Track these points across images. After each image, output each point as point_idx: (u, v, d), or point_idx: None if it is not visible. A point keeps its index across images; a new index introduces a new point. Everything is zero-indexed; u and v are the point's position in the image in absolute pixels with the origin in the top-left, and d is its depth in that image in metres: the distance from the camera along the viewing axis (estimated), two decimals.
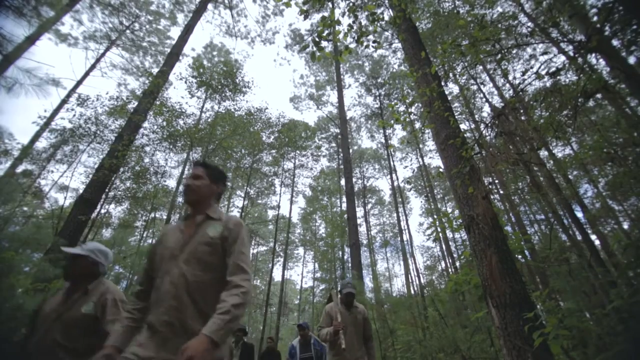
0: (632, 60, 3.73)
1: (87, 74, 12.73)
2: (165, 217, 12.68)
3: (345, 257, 16.46)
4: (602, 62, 4.80)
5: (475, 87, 11.77)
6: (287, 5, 3.30)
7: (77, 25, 13.20)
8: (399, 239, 18.48)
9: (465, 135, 4.34)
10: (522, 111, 7.44)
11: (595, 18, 3.83)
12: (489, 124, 3.71)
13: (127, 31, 14.15)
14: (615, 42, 3.67)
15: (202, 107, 14.47)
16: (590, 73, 3.25)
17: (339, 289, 3.35)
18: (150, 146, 10.85)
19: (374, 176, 22.56)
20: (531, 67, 3.12)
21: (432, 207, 17.08)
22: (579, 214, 8.15)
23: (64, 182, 13.33)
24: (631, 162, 5.73)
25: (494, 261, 2.90)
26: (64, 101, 11.37)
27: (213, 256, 1.30)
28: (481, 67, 11.03)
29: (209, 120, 12.89)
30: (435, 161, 21.73)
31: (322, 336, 2.95)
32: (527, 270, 7.68)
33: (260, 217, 23.48)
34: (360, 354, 3.00)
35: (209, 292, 1.24)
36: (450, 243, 15.23)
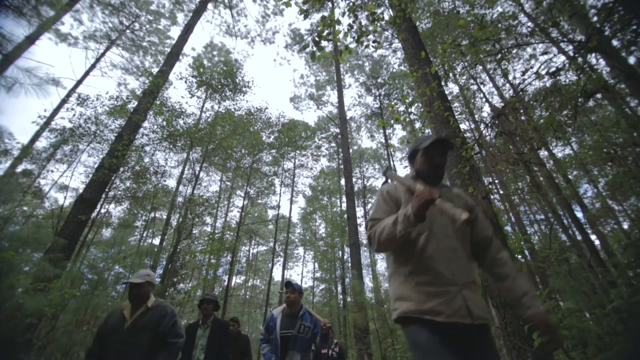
0: (632, 60, 3.73)
1: (87, 73, 12.73)
2: (165, 217, 12.68)
3: (345, 257, 16.47)
4: (602, 62, 4.80)
5: (475, 87, 11.78)
6: (287, 4, 3.30)
7: (77, 25, 13.20)
8: None
9: (465, 135, 4.33)
10: (522, 111, 7.43)
11: (595, 18, 3.83)
12: (489, 124, 3.71)
13: (127, 31, 14.15)
14: (615, 42, 3.67)
15: (202, 106, 14.47)
16: (590, 73, 3.25)
17: (413, 147, 1.58)
18: (150, 146, 10.85)
19: (374, 176, 22.54)
20: (531, 67, 3.13)
21: None
22: (579, 214, 8.17)
23: (64, 181, 13.32)
24: (631, 162, 5.73)
25: None
26: (63, 101, 11.37)
27: None
28: (481, 67, 11.03)
29: (209, 120, 12.89)
30: None
31: (386, 230, 1.29)
32: (527, 270, 7.68)
33: (260, 217, 23.48)
34: (470, 277, 1.33)
35: None
36: None
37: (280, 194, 18.27)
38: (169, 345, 2.25)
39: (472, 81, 11.17)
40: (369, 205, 23.13)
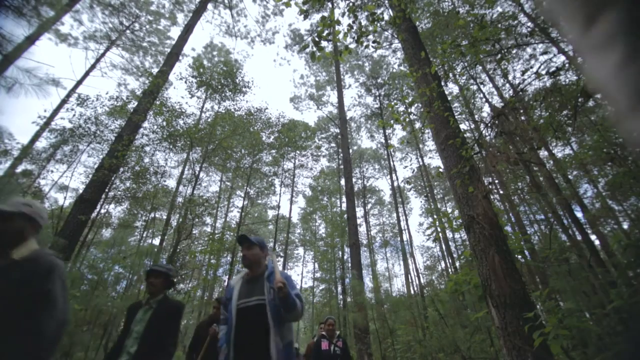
0: None
1: (87, 74, 12.73)
2: (165, 217, 12.68)
3: (345, 257, 16.47)
4: None
5: (475, 87, 11.78)
6: (287, 5, 3.30)
7: (77, 25, 13.21)
8: (398, 239, 18.50)
9: (465, 135, 4.34)
10: (522, 111, 7.43)
11: None
12: (489, 124, 3.71)
13: (127, 31, 14.15)
14: None
15: (202, 107, 14.47)
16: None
17: None
18: (150, 146, 10.85)
19: (374, 176, 22.57)
20: (531, 67, 3.13)
21: (432, 207, 17.08)
22: (579, 214, 8.16)
23: (64, 182, 13.33)
24: (631, 162, 5.73)
25: (496, 260, 2.90)
26: (63, 101, 11.37)
27: None
28: (481, 68, 11.03)
29: (209, 120, 12.89)
30: (435, 161, 21.78)
31: None
32: (527, 270, 7.68)
33: (260, 217, 23.48)
34: None
35: None
36: (450, 243, 15.23)
37: (280, 194, 18.28)
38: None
39: (472, 81, 11.17)
40: (369, 206, 23.13)
